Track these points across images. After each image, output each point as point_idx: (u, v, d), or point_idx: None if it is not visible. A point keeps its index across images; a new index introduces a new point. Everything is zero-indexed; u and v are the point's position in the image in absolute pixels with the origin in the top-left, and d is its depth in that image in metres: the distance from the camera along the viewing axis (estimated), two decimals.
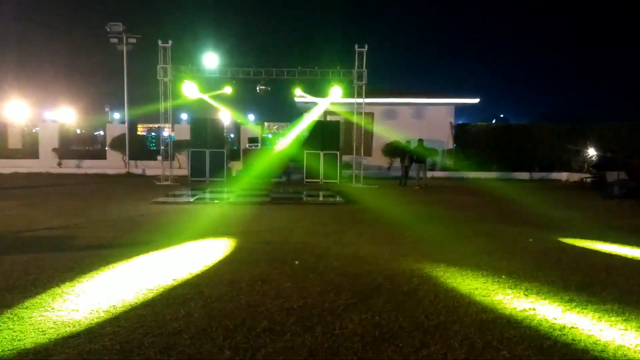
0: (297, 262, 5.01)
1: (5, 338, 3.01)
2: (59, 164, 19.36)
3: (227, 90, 16.46)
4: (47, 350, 2.85)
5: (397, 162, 17.54)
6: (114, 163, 19.57)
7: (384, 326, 3.32)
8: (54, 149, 19.77)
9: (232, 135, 30.69)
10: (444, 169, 19.98)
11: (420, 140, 15.55)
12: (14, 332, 3.11)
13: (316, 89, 17.03)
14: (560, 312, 3.66)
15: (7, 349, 2.87)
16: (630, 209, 10.32)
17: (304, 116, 17.50)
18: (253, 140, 18.59)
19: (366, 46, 14.59)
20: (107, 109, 44.90)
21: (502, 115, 48.78)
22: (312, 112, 17.29)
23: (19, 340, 2.98)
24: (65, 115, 34.70)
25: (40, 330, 3.15)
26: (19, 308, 3.54)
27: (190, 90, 15.49)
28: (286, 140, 17.77)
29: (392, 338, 3.12)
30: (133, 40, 18.33)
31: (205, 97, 16.50)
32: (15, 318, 3.34)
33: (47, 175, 17.71)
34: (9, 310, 3.48)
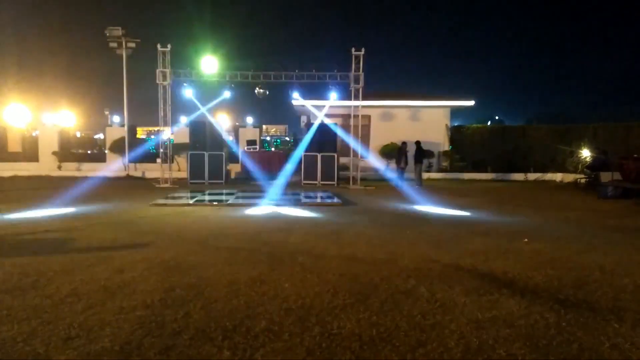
0: (300, 260, 5.08)
1: (6, 341, 3.04)
2: (59, 167, 19.37)
3: (226, 93, 16.52)
4: (47, 352, 2.88)
5: (393, 164, 17.65)
6: (113, 166, 19.57)
7: (381, 326, 3.36)
8: (54, 152, 19.78)
9: (230, 138, 30.70)
10: (439, 170, 20.08)
11: (418, 142, 15.84)
12: (13, 333, 3.14)
13: (314, 92, 17.12)
14: (556, 310, 3.71)
15: (8, 351, 2.90)
16: (626, 209, 10.37)
17: (301, 120, 17.58)
18: (251, 142, 18.67)
19: (363, 49, 14.64)
20: (106, 112, 44.82)
21: (497, 117, 48.67)
22: (309, 115, 17.37)
23: (20, 341, 3.02)
24: (65, 119, 34.59)
25: (40, 331, 3.18)
26: (19, 310, 3.58)
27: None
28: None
29: (389, 337, 3.16)
30: (132, 45, 18.35)
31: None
32: (15, 320, 3.38)
33: (47, 178, 17.72)
34: (8, 313, 3.52)
